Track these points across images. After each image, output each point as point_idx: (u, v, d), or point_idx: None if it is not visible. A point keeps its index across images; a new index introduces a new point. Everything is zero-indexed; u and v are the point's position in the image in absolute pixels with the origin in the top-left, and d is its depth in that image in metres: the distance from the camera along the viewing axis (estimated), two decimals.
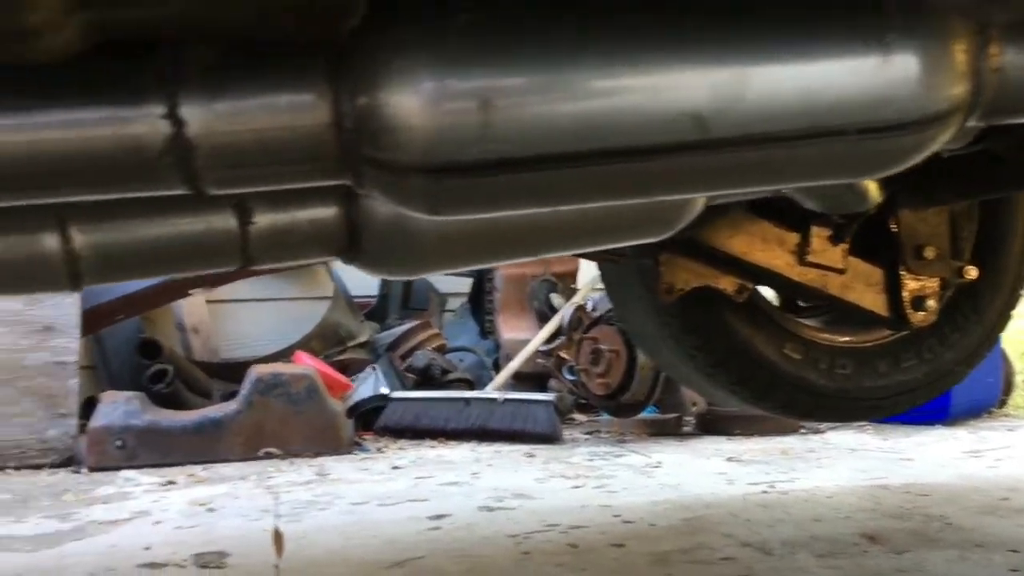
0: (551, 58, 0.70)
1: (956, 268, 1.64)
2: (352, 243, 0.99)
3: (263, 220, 0.95)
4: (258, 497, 2.35)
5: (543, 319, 3.82)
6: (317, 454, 2.94)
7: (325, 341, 3.96)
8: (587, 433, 3.42)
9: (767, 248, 1.55)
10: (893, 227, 1.61)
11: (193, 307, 3.88)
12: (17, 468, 2.79)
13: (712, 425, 3.37)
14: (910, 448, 2.99)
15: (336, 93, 0.70)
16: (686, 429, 3.44)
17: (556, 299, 3.93)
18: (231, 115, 0.69)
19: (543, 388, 3.65)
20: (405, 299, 4.40)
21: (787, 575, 1.60)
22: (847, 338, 1.75)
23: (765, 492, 2.31)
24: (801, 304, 1.81)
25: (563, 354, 3.46)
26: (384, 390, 3.42)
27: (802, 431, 3.31)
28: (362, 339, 4.06)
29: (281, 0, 0.67)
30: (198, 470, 2.73)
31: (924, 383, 1.79)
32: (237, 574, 1.68)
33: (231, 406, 2.96)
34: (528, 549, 1.80)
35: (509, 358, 3.70)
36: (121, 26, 0.65)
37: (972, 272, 1.64)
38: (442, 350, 3.91)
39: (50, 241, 0.91)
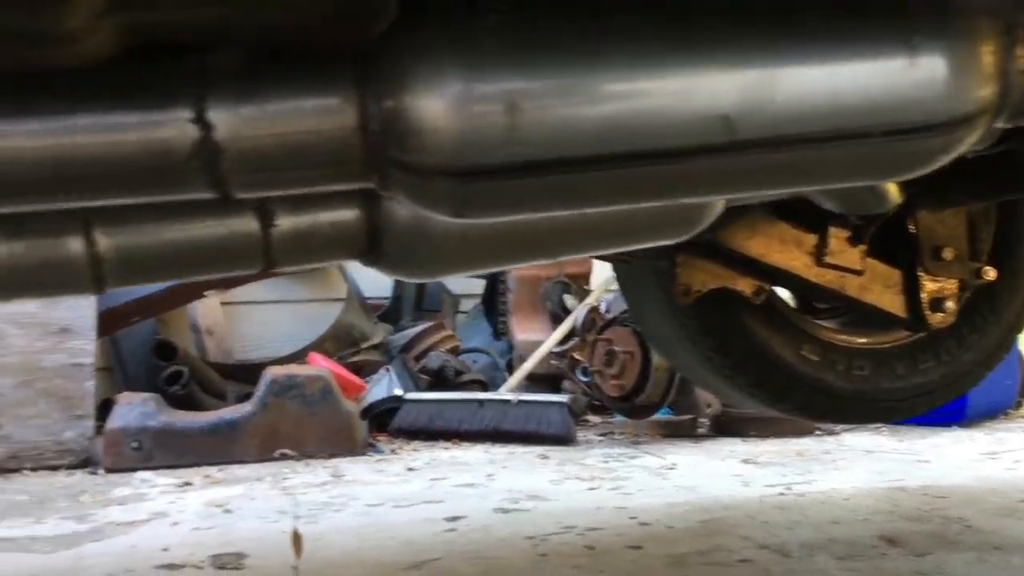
0: (578, 61, 0.71)
1: (974, 269, 1.63)
2: (373, 245, 0.99)
3: (285, 223, 0.96)
4: (274, 498, 2.35)
5: (556, 320, 3.82)
6: (332, 455, 2.95)
7: (339, 343, 3.97)
8: (601, 435, 3.42)
9: (785, 249, 1.55)
10: (911, 228, 1.61)
11: (208, 309, 3.89)
12: (34, 469, 2.81)
13: (727, 427, 3.36)
14: (926, 450, 2.98)
15: (363, 96, 0.70)
16: (700, 431, 3.43)
17: (569, 300, 3.93)
18: (258, 119, 0.69)
19: (556, 389, 3.65)
20: (418, 301, 4.41)
21: None
22: (865, 339, 1.74)
23: (782, 494, 2.30)
24: (818, 306, 1.81)
25: (576, 355, 3.46)
26: (398, 391, 3.43)
27: (817, 433, 3.30)
28: (375, 341, 4.07)
29: (314, 5, 0.67)
30: (214, 471, 2.74)
31: (942, 384, 1.78)
32: (254, 575, 1.68)
33: (246, 407, 2.97)
34: (545, 551, 1.80)
35: (522, 359, 3.70)
36: (153, 30, 0.65)
37: (990, 273, 1.63)
38: (456, 351, 3.92)
39: (74, 244, 0.91)
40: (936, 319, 1.61)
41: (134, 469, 2.76)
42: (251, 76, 0.70)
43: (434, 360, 3.68)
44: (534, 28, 0.71)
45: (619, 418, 3.57)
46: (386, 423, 3.37)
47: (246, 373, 3.63)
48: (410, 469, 2.77)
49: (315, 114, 0.70)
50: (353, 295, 4.13)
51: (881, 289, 1.62)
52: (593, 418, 3.72)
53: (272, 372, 3.02)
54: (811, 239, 1.55)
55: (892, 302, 1.63)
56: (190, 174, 0.71)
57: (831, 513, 2.07)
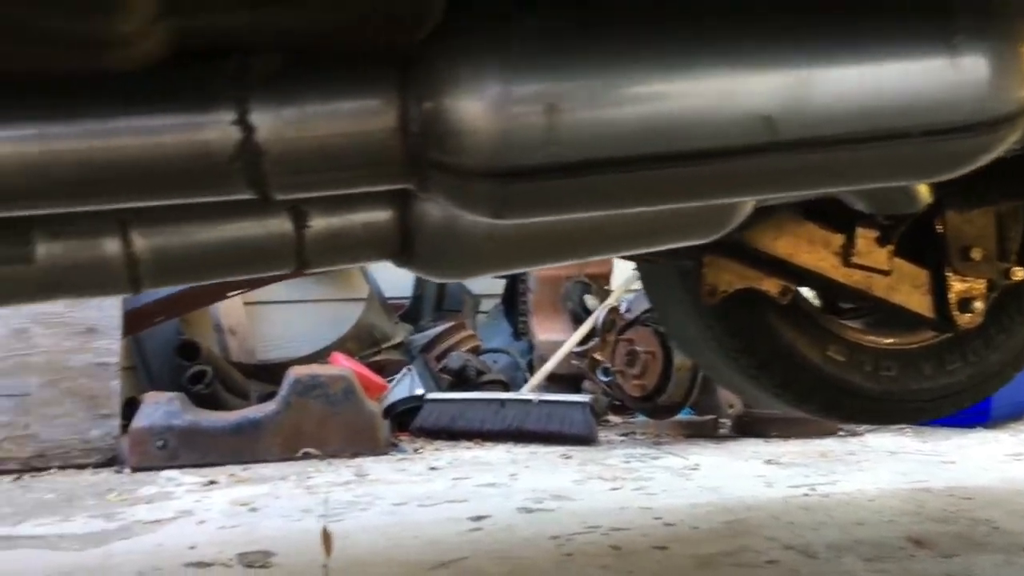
0: (617, 62, 0.71)
1: (1003, 269, 1.62)
2: (405, 246, 1.00)
3: (318, 224, 0.96)
4: (299, 497, 2.37)
5: (577, 320, 3.82)
6: (355, 455, 2.96)
7: (360, 342, 3.98)
8: (622, 435, 3.42)
9: (812, 250, 1.54)
10: (939, 228, 1.60)
11: (230, 309, 3.92)
12: (61, 468, 2.83)
13: (749, 427, 3.35)
14: (951, 451, 2.96)
15: (403, 98, 0.70)
16: (722, 431, 3.42)
17: (590, 300, 3.93)
18: (299, 121, 0.70)
19: (577, 389, 3.65)
20: (439, 301, 4.42)
21: None
22: (891, 340, 1.73)
23: (806, 495, 2.29)
24: (843, 306, 1.80)
25: (597, 356, 3.46)
26: (419, 391, 3.44)
27: (840, 434, 3.29)
28: (396, 340, 4.09)
29: (364, 11, 0.67)
30: (238, 470, 2.75)
31: (969, 385, 1.77)
32: (282, 573, 1.69)
33: (270, 407, 2.99)
34: (570, 551, 1.80)
35: (543, 359, 3.71)
36: (202, 34, 0.66)
37: (1019, 273, 1.62)
38: (476, 351, 3.93)
39: (111, 245, 0.92)
40: (964, 319, 1.60)
41: (159, 468, 2.79)
42: (292, 78, 0.70)
43: (455, 360, 3.69)
44: (573, 30, 0.71)
45: (640, 418, 3.57)
46: (407, 423, 3.38)
47: (268, 373, 3.65)
48: (433, 468, 2.77)
49: (355, 116, 0.71)
50: (374, 295, 4.15)
51: (909, 289, 1.61)
52: (614, 418, 3.72)
53: (295, 372, 3.04)
54: (838, 239, 1.55)
55: (920, 302, 1.62)
56: (232, 176, 0.72)
57: (856, 514, 2.06)
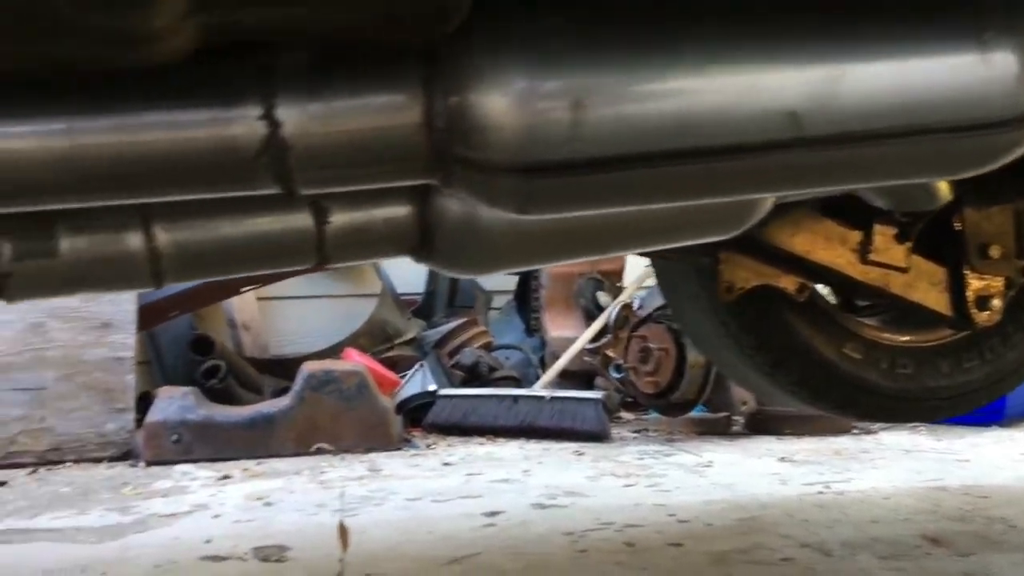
0: (642, 58, 0.71)
1: (1021, 267, 1.61)
2: (425, 242, 1.00)
3: (339, 219, 0.97)
4: (313, 492, 2.37)
5: (589, 317, 3.82)
6: (368, 450, 2.97)
7: (373, 338, 3.99)
8: (635, 431, 3.42)
9: (830, 247, 1.54)
10: (957, 225, 1.59)
11: (244, 304, 3.93)
12: (76, 461, 2.85)
13: (762, 425, 3.35)
14: (965, 449, 2.95)
15: (428, 93, 0.71)
16: (735, 428, 3.42)
17: (603, 297, 3.93)
18: (325, 116, 0.70)
19: (589, 386, 3.65)
20: (451, 297, 4.43)
21: None
22: (908, 337, 1.73)
23: (820, 493, 2.29)
24: (859, 303, 1.80)
25: (609, 352, 3.46)
26: (432, 387, 3.45)
27: (854, 431, 3.28)
28: (409, 336, 4.09)
29: (391, 6, 0.67)
30: (252, 465, 2.77)
31: (986, 383, 1.77)
32: (298, 567, 1.70)
33: (283, 402, 3.00)
34: (584, 547, 1.80)
35: (555, 356, 3.71)
36: (229, 30, 0.66)
37: None
38: (489, 347, 3.93)
39: (134, 240, 0.93)
40: (982, 317, 1.60)
41: (174, 462, 2.80)
42: (318, 74, 0.71)
43: (467, 356, 3.69)
44: (598, 26, 0.71)
45: (653, 415, 3.57)
46: (420, 418, 3.39)
47: (281, 368, 3.67)
48: (446, 464, 2.78)
49: (381, 111, 0.71)
50: (387, 291, 4.15)
51: (926, 287, 1.60)
52: (627, 415, 3.72)
53: (309, 367, 3.05)
54: (856, 236, 1.54)
55: (937, 300, 1.61)
56: (258, 170, 0.72)
57: (871, 512, 2.06)
